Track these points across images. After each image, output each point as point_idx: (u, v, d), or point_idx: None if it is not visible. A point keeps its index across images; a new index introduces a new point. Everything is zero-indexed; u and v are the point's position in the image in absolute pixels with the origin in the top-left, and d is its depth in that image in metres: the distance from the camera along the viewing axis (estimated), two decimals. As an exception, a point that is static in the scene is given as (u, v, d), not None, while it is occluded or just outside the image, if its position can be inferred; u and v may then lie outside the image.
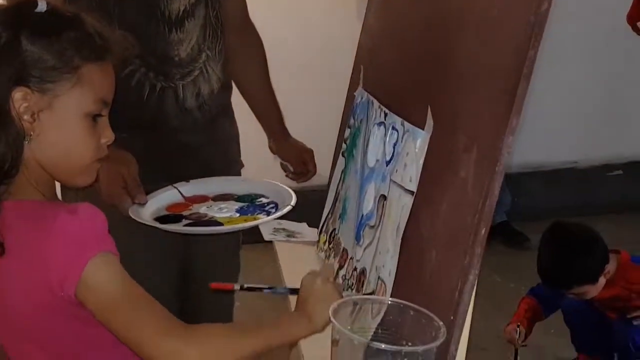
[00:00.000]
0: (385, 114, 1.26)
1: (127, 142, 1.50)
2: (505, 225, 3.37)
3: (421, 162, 1.07)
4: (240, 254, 1.78)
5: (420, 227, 1.03)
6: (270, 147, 1.86)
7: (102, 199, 1.39)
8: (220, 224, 1.39)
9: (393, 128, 1.21)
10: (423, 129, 1.09)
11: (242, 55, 1.76)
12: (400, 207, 1.11)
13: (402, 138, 1.16)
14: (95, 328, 1.00)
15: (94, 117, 1.04)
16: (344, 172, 1.53)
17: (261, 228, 1.67)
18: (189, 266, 1.69)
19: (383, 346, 0.84)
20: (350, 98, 1.60)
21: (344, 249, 1.40)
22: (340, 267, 1.39)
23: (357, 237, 1.31)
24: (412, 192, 1.08)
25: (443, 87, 1.06)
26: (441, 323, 0.90)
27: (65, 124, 1.01)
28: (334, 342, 0.89)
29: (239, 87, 1.80)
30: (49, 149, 1.01)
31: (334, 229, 1.51)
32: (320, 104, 3.07)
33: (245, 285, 1.18)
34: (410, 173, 1.10)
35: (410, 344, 0.93)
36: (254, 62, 1.81)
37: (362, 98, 1.47)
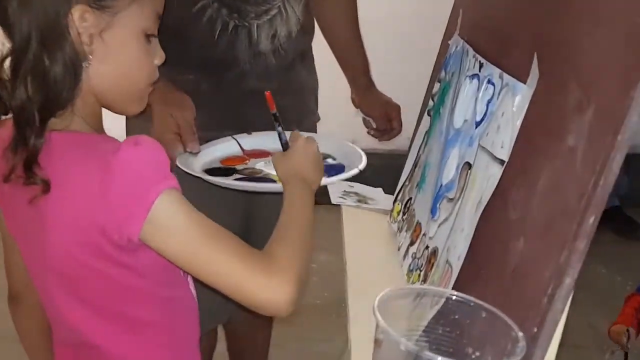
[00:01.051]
0: (481, 65, 1.03)
1: (192, 83, 1.38)
2: (616, 210, 3.03)
3: (518, 123, 0.84)
4: None
5: (507, 205, 0.80)
6: (352, 100, 1.66)
7: None
8: (274, 181, 1.20)
9: (489, 82, 0.97)
10: (525, 82, 0.85)
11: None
12: (486, 178, 0.89)
13: (499, 94, 0.93)
14: (143, 279, 0.88)
15: (149, 36, 0.92)
16: (427, 133, 1.31)
17: (330, 189, 1.48)
18: (249, 227, 1.53)
19: (439, 359, 0.63)
20: (444, 47, 1.37)
21: (417, 222, 1.20)
22: (412, 243, 1.18)
23: (433, 211, 1.10)
24: (502, 161, 0.86)
25: (555, 29, 0.82)
26: (521, 334, 0.69)
27: (124, 45, 0.89)
28: (377, 342, 0.69)
29: (323, 31, 1.60)
30: (106, 73, 0.88)
31: (410, 199, 1.30)
32: (410, 56, 2.82)
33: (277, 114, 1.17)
34: (503, 137, 0.87)
35: (477, 354, 0.72)
36: (343, 3, 1.60)
37: (456, 47, 1.23)
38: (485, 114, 0.97)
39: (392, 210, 1.38)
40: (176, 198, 0.84)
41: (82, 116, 0.87)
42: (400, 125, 1.62)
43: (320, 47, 1.62)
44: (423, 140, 1.32)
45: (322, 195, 1.36)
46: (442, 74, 1.30)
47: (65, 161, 0.83)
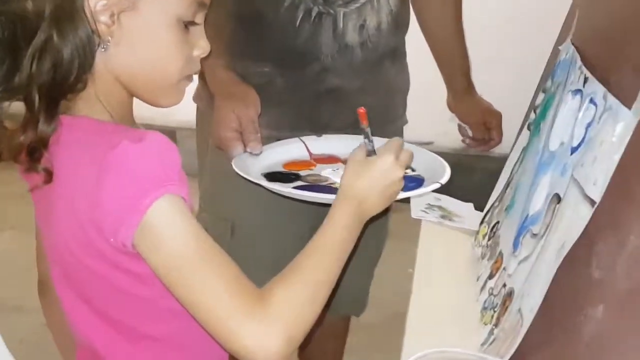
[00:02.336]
0: (586, 79, 0.86)
1: (267, 77, 1.27)
2: None
3: (616, 158, 0.69)
4: (387, 225, 1.47)
5: (591, 259, 0.65)
6: (448, 104, 1.51)
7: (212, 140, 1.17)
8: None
9: (591, 101, 0.82)
10: (630, 108, 0.69)
11: None
12: (574, 219, 0.74)
13: (600, 117, 0.77)
14: (147, 287, 0.80)
15: (187, 24, 0.83)
16: (525, 150, 1.15)
17: (412, 200, 1.35)
18: None
19: None
20: (554, 53, 1.20)
21: (500, 252, 1.05)
22: (491, 276, 1.04)
23: (515, 244, 0.95)
24: (592, 202, 0.70)
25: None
26: None
27: (151, 30, 0.80)
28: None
29: (422, 26, 1.46)
30: (129, 60, 0.81)
31: (497, 223, 1.15)
32: (520, 60, 2.59)
33: (367, 130, 0.99)
34: (598, 173, 0.71)
35: None
36: None
37: (566, 54, 1.07)
38: (582, 140, 0.81)
39: (477, 233, 1.23)
40: (175, 206, 0.74)
41: (103, 102, 0.80)
42: (501, 135, 1.45)
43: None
44: (519, 157, 1.16)
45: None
46: (549, 83, 1.13)
47: (70, 150, 0.77)
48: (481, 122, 1.45)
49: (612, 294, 0.59)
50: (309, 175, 1.15)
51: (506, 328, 0.83)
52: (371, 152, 0.96)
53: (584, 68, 0.89)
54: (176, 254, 0.74)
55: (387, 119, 1.37)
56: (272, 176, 1.13)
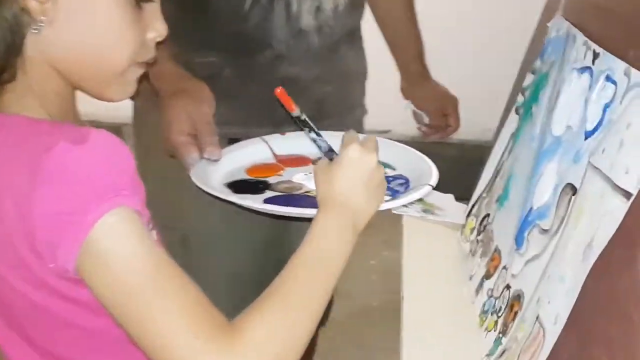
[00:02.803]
0: (596, 55, 0.78)
1: (213, 68, 1.12)
2: None
3: (655, 143, 0.60)
4: None
5: (636, 260, 0.56)
6: (402, 91, 1.40)
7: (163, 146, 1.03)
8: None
9: (607, 79, 0.73)
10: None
11: None
12: (602, 213, 0.64)
13: (623, 96, 0.68)
14: (97, 317, 0.68)
15: (139, 1, 0.71)
16: (514, 136, 1.06)
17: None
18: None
19: None
20: (540, 31, 1.12)
21: (496, 248, 0.96)
22: (488, 276, 0.95)
23: (519, 240, 0.86)
24: (626, 193, 0.61)
25: None
26: None
27: (92, 6, 0.68)
28: None
29: (373, 7, 1.35)
30: (67, 43, 0.68)
31: (487, 215, 1.06)
32: (482, 40, 2.53)
33: (303, 116, 0.93)
34: (629, 160, 0.62)
35: None
36: None
37: (558, 31, 0.98)
38: (600, 122, 0.72)
39: (464, 226, 1.14)
40: (126, 222, 0.62)
41: (41, 97, 0.68)
42: (458, 121, 1.36)
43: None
44: (508, 144, 1.08)
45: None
46: (538, 63, 1.05)
47: None
48: (438, 108, 1.36)
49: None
50: (279, 182, 1.01)
51: (519, 338, 0.74)
52: (317, 141, 0.88)
53: (591, 43, 0.80)
54: (127, 281, 0.63)
55: (347, 108, 1.26)
56: (237, 186, 0.98)
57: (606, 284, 0.59)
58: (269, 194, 0.97)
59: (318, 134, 0.95)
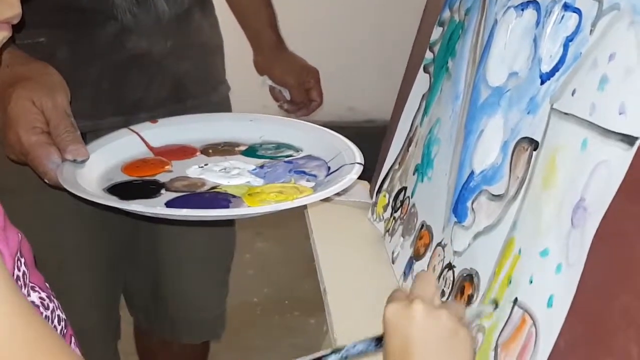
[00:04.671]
0: (541, -15, 0.66)
1: (45, 49, 0.91)
2: None
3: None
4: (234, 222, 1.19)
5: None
6: (255, 64, 1.24)
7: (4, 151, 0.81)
8: (236, 198, 0.78)
9: (566, 7, 0.61)
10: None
11: None
12: (588, 166, 0.52)
13: (594, 24, 0.56)
14: None
15: None
16: (427, 97, 0.94)
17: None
18: (153, 260, 1.13)
19: None
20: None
21: (423, 224, 0.83)
22: (418, 256, 0.82)
23: (459, 212, 0.73)
24: (628, 138, 0.49)
25: None
26: None
27: None
28: None
29: None
30: None
31: (404, 189, 0.93)
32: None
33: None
34: (624, 96, 0.51)
35: None
36: None
37: (471, -27, 0.87)
38: (561, 60, 0.60)
39: (375, 204, 1.01)
40: None
41: None
42: (321, 95, 1.23)
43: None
44: (420, 106, 0.95)
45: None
46: (446, 13, 0.93)
47: None
48: (299, 82, 1.21)
49: None
50: (173, 180, 0.82)
51: (488, 327, 0.61)
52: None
53: (532, -27, 0.68)
54: None
55: (210, 85, 1.09)
56: (121, 190, 0.79)
57: (621, 251, 0.47)
58: (168, 195, 0.78)
59: (333, 351, 0.58)
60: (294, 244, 2.04)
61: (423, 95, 0.95)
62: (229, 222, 1.14)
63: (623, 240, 0.47)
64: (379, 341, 0.55)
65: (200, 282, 1.17)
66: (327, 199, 1.05)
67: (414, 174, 0.91)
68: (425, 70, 0.96)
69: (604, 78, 0.54)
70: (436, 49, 0.94)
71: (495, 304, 0.58)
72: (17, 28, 0.60)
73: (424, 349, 0.50)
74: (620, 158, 0.49)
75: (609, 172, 0.50)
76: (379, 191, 1.01)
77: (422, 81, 0.96)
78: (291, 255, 2.35)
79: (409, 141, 0.96)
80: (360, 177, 1.13)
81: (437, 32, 0.95)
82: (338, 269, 0.87)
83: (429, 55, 0.96)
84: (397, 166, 0.98)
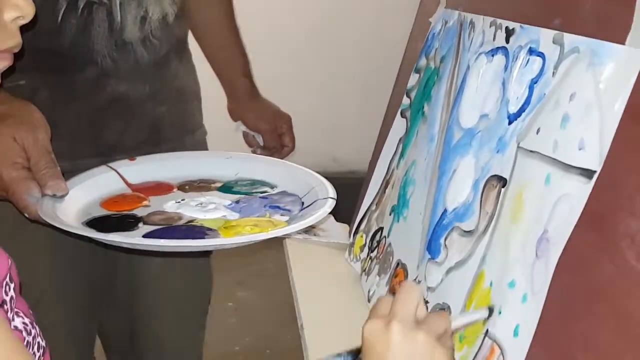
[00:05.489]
0: (509, 32, 0.70)
1: (26, 91, 0.93)
2: None
3: (618, 108, 0.51)
4: (210, 265, 1.20)
5: (621, 248, 0.46)
6: (229, 111, 1.26)
7: None
8: (213, 231, 0.80)
9: (531, 52, 0.64)
10: (620, 41, 0.52)
11: None
12: (552, 200, 0.55)
13: (556, 67, 0.60)
14: None
15: None
16: (404, 140, 0.97)
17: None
18: (125, 294, 1.13)
19: None
20: (418, 29, 1.05)
21: (398, 263, 0.85)
22: (393, 295, 0.83)
23: (432, 249, 0.75)
24: (586, 172, 0.52)
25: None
26: None
27: None
28: None
29: (193, 22, 1.18)
30: None
31: (380, 229, 0.95)
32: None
33: None
34: (584, 133, 0.54)
35: None
36: None
37: (446, 23, 0.91)
38: (527, 101, 0.64)
39: (352, 245, 1.03)
40: None
41: None
42: (293, 141, 1.25)
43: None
44: (397, 150, 0.98)
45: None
46: (423, 61, 0.97)
47: None
48: (271, 127, 1.24)
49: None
50: (151, 214, 0.84)
51: (458, 358, 0.62)
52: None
53: (502, 21, 0.72)
54: None
55: (186, 130, 1.11)
56: (101, 224, 0.81)
57: (579, 277, 0.49)
58: (146, 228, 0.80)
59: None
60: (276, 293, 2.03)
61: (400, 139, 0.98)
62: (205, 255, 1.14)
63: (583, 268, 0.49)
64: (355, 355, 0.56)
65: (177, 325, 1.17)
66: (308, 239, 1.08)
67: (390, 214, 0.93)
68: (403, 114, 0.99)
69: (565, 116, 0.57)
70: (413, 94, 0.98)
71: (490, 311, 0.59)
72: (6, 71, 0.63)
73: None
74: (580, 191, 0.52)
75: (569, 205, 0.53)
76: (356, 232, 1.03)
77: (399, 125, 0.99)
78: (273, 305, 2.34)
79: (386, 183, 0.99)
80: (341, 221, 1.16)
81: (414, 79, 0.99)
82: (316, 306, 0.88)
83: (406, 100, 0.99)
84: (374, 207, 1.00)
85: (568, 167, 0.54)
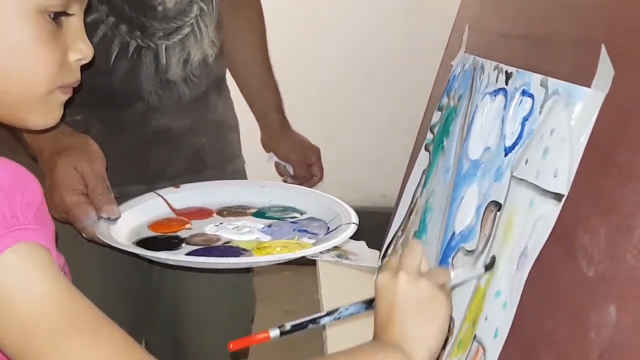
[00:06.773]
0: (508, 75, 0.79)
1: (81, 125, 1.05)
2: None
3: (582, 141, 0.60)
4: (252, 288, 1.30)
5: (577, 258, 0.55)
6: (263, 144, 1.39)
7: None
8: (247, 251, 0.91)
9: (524, 93, 0.73)
10: (589, 85, 0.61)
11: (234, 16, 1.28)
12: (532, 221, 0.63)
13: (542, 106, 0.69)
14: None
15: (55, 16, 0.66)
16: (426, 172, 1.06)
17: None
18: (172, 309, 1.23)
19: None
20: (443, 71, 1.14)
21: (418, 282, 0.93)
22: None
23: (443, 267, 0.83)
24: (557, 196, 0.61)
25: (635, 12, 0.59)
26: None
27: (2, 25, 0.63)
28: None
29: (228, 60, 1.32)
30: None
31: (405, 253, 1.04)
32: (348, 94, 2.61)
33: (289, 326, 0.69)
34: (557, 163, 0.62)
35: None
36: (247, 25, 1.35)
37: (464, 65, 1.00)
38: (519, 136, 0.72)
39: (379, 268, 1.12)
40: (31, 259, 0.57)
41: None
42: (322, 171, 1.36)
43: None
44: (421, 181, 1.07)
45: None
46: (445, 99, 1.06)
47: None
48: (301, 158, 1.36)
49: (625, 286, 0.49)
50: (192, 236, 0.96)
51: (455, 362, 0.70)
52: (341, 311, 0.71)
53: (503, 65, 0.81)
54: (36, 325, 0.56)
55: (226, 159, 1.23)
56: (149, 244, 0.93)
57: (546, 284, 0.57)
58: (188, 248, 0.92)
59: (327, 314, 0.73)
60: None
61: (423, 171, 1.07)
62: (242, 272, 1.24)
63: (549, 277, 0.57)
64: (369, 304, 0.66)
65: (221, 345, 1.27)
66: (339, 262, 1.17)
67: (413, 239, 1.01)
68: (426, 149, 1.09)
69: (546, 149, 0.65)
70: (436, 130, 1.07)
71: (486, 268, 0.68)
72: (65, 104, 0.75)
73: (404, 311, 0.64)
74: (552, 212, 0.60)
75: (544, 224, 0.61)
76: (383, 256, 1.12)
77: (423, 158, 1.08)
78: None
79: (410, 211, 1.07)
80: (373, 247, 1.25)
81: (436, 116, 1.08)
82: (341, 327, 0.97)
83: (429, 135, 1.08)
84: (400, 233, 1.09)
85: (545, 192, 0.63)
